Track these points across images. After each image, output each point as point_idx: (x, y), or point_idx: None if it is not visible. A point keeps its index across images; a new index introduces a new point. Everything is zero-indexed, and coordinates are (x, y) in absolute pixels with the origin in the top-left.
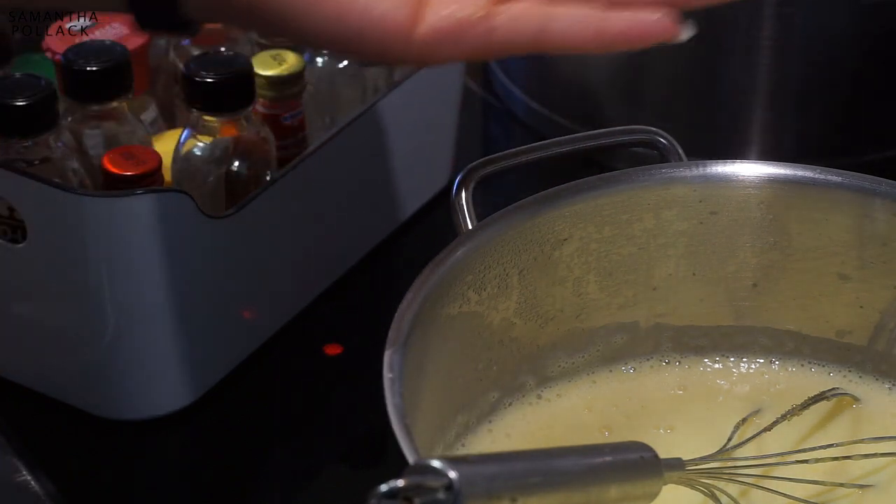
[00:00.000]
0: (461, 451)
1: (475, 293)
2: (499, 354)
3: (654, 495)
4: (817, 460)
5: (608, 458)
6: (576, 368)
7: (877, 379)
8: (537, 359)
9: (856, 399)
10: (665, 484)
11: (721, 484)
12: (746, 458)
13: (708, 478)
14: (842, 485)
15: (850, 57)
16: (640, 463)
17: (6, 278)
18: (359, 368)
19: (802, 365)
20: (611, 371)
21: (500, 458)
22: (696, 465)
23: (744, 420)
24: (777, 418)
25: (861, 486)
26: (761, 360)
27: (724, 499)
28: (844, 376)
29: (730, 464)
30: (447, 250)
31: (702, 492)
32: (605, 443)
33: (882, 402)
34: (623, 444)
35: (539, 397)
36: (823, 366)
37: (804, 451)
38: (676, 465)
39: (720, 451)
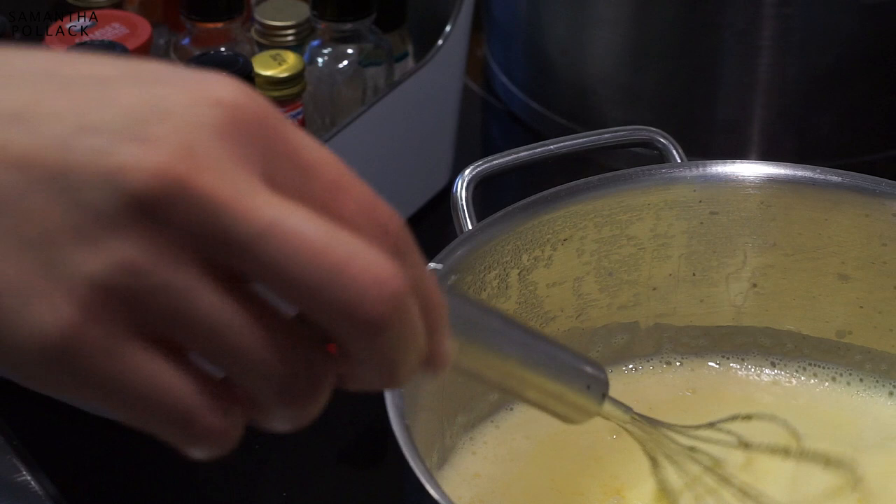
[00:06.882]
0: (466, 450)
1: (475, 293)
2: None
3: (588, 417)
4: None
5: (566, 355)
6: None
7: (877, 380)
8: None
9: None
10: (601, 414)
11: (665, 448)
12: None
13: (651, 435)
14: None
15: (850, 57)
16: (589, 377)
17: None
18: None
19: (802, 366)
20: (611, 372)
21: (486, 310)
22: (643, 418)
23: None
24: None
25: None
26: (761, 361)
27: (662, 461)
28: (844, 377)
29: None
30: (447, 250)
31: (644, 449)
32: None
33: (882, 404)
34: (586, 358)
35: None
36: (823, 366)
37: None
38: (622, 407)
39: (695, 427)
